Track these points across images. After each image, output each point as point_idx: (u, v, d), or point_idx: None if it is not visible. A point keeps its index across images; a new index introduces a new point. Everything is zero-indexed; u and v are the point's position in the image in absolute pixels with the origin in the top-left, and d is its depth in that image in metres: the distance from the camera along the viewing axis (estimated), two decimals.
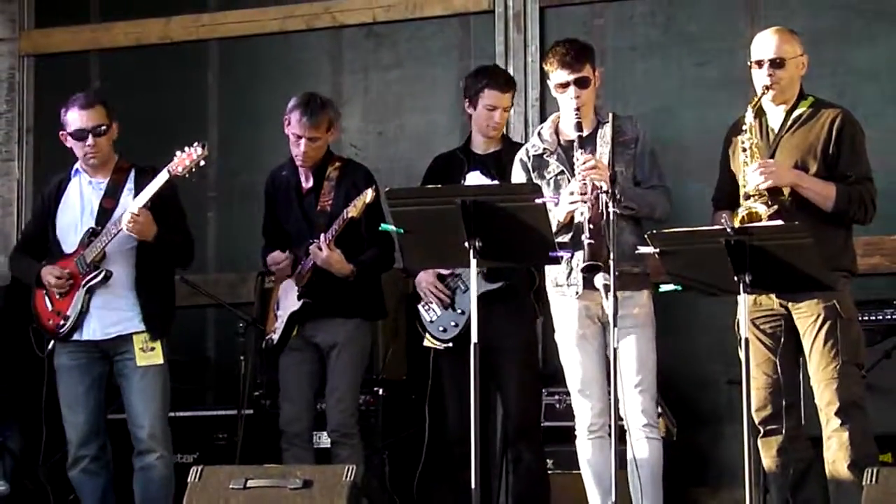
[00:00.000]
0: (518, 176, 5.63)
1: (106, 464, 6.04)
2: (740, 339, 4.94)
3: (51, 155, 6.46)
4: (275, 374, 6.28)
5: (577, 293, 5.46)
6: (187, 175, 5.83)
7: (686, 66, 7.01)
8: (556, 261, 5.23)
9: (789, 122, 5.37)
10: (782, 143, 5.36)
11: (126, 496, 6.02)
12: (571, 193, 5.36)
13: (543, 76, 6.82)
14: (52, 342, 6.04)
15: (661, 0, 7.07)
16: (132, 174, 6.05)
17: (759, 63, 5.34)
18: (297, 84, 7.22)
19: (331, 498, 4.94)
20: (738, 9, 6.91)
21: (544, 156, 5.59)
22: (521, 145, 5.99)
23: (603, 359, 5.46)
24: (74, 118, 5.96)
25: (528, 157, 5.62)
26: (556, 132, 5.62)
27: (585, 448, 5.51)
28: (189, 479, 5.13)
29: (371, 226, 5.90)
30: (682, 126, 6.93)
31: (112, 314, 5.93)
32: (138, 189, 5.94)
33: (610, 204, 5.14)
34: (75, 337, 5.95)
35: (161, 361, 5.94)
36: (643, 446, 5.37)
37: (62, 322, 5.95)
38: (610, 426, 5.15)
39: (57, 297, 5.95)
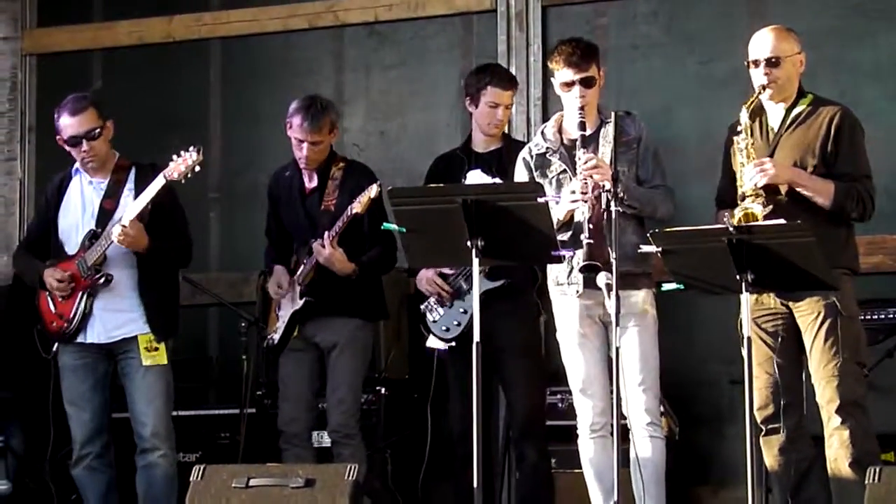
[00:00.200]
0: (521, 175, 5.63)
1: (109, 462, 6.04)
2: (743, 338, 4.94)
3: (53, 154, 6.45)
4: (276, 373, 6.28)
5: (577, 292, 5.46)
6: (183, 180, 5.82)
7: (688, 66, 7.01)
8: (559, 260, 5.23)
9: (789, 121, 5.37)
10: (782, 142, 5.36)
11: (129, 495, 6.02)
12: (573, 192, 5.36)
13: (546, 75, 6.85)
14: (57, 343, 6.03)
15: None
16: (132, 173, 6.04)
17: (756, 62, 5.34)
18: (299, 83, 7.23)
19: (333, 497, 4.94)
20: (741, 8, 6.91)
21: (547, 155, 5.59)
22: (522, 144, 6.00)
23: (605, 358, 5.47)
24: (66, 125, 5.94)
25: (531, 156, 5.62)
26: (559, 131, 5.62)
27: (587, 447, 5.51)
28: (191, 478, 5.13)
29: (373, 225, 5.90)
30: (684, 125, 6.93)
31: (116, 316, 5.93)
32: (138, 188, 5.93)
33: (612, 203, 5.14)
34: (79, 339, 5.95)
35: (165, 362, 5.94)
36: (646, 445, 5.37)
37: (65, 325, 5.95)
38: (612, 425, 5.15)
39: (59, 299, 5.95)
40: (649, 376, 5.42)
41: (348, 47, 7.57)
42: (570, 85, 5.50)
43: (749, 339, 4.92)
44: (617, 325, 5.04)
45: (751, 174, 5.22)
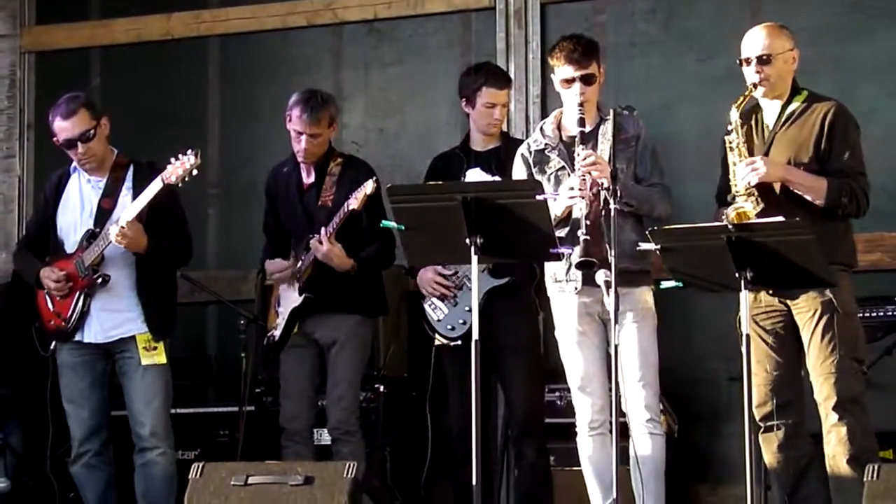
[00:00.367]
0: (519, 171, 5.63)
1: (108, 460, 6.04)
2: (741, 335, 4.94)
3: (52, 151, 6.44)
4: (276, 370, 6.28)
5: (575, 289, 5.46)
6: (180, 184, 5.81)
7: (687, 63, 7.00)
8: (558, 257, 5.23)
9: (783, 118, 5.37)
10: (777, 139, 5.36)
11: (128, 493, 6.02)
12: (571, 189, 5.35)
13: (545, 73, 6.85)
14: (55, 341, 6.03)
15: None
16: (130, 171, 6.03)
17: (748, 60, 5.34)
18: (297, 80, 7.21)
19: (332, 494, 4.94)
20: (739, 5, 6.91)
21: (546, 151, 5.59)
22: (520, 142, 5.99)
23: (604, 355, 5.47)
24: (59, 128, 5.93)
25: (530, 153, 5.62)
26: (558, 128, 5.62)
27: (586, 445, 5.51)
28: (190, 476, 5.13)
29: (372, 221, 5.90)
30: (683, 123, 6.92)
31: (113, 316, 5.92)
32: (137, 187, 5.92)
33: (611, 201, 5.14)
34: (77, 338, 5.95)
35: (164, 361, 5.94)
36: (646, 442, 5.37)
37: (63, 324, 5.95)
38: (611, 423, 5.15)
39: (58, 298, 5.95)
40: (648, 373, 5.42)
41: (347, 45, 7.57)
42: (570, 82, 5.49)
43: (748, 336, 4.92)
44: (616, 322, 5.04)
45: (742, 173, 5.22)
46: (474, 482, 4.86)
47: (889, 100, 6.71)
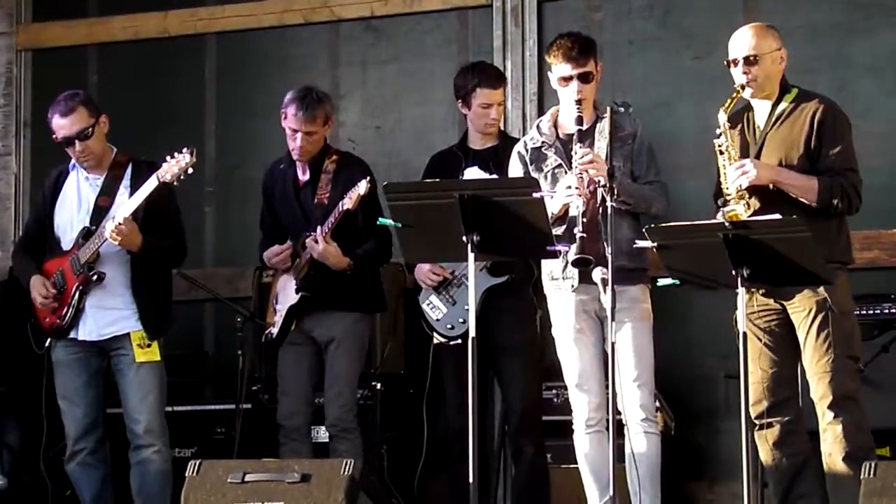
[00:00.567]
0: (515, 169, 5.62)
1: (104, 457, 6.03)
2: (738, 333, 4.94)
3: (48, 150, 6.44)
4: (274, 368, 6.28)
5: (572, 287, 5.46)
6: (176, 182, 5.80)
7: (684, 61, 7.00)
8: (555, 255, 5.22)
9: (773, 118, 5.36)
10: (768, 139, 5.35)
11: (124, 490, 6.01)
12: (568, 187, 5.35)
13: (542, 70, 6.85)
14: (50, 339, 6.03)
15: None
16: (129, 170, 6.02)
17: (735, 61, 5.33)
18: (294, 78, 7.21)
19: (329, 491, 4.94)
20: (736, 2, 6.90)
21: (542, 149, 5.58)
22: (517, 140, 5.99)
23: (600, 353, 5.46)
24: (58, 126, 5.92)
25: (526, 150, 5.62)
26: (555, 125, 5.61)
27: (583, 442, 5.51)
28: (187, 473, 5.13)
29: (368, 218, 5.89)
30: (680, 120, 6.92)
31: (108, 314, 5.92)
32: (134, 185, 5.91)
33: (607, 198, 5.14)
34: (72, 335, 5.95)
35: (158, 358, 5.93)
36: (641, 441, 5.37)
37: (58, 321, 5.94)
38: (607, 420, 5.15)
39: (55, 305, 5.95)
40: (644, 372, 5.42)
41: (344, 42, 7.56)
42: (567, 80, 5.49)
43: (744, 334, 4.93)
44: (612, 319, 5.03)
45: (732, 176, 5.22)
46: (471, 479, 4.86)
47: (887, 97, 6.71)
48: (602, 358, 5.44)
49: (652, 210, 5.50)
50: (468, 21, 7.35)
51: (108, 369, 6.02)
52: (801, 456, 5.32)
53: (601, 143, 5.46)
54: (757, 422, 5.28)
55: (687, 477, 6.63)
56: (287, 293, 6.15)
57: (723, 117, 5.30)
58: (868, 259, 6.45)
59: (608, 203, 5.13)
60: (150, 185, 5.79)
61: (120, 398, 5.96)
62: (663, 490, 5.45)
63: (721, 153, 5.31)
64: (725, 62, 5.37)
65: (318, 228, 5.99)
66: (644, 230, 5.03)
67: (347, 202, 5.91)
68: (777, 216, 4.98)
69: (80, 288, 5.89)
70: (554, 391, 6.29)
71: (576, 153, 5.36)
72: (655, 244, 4.95)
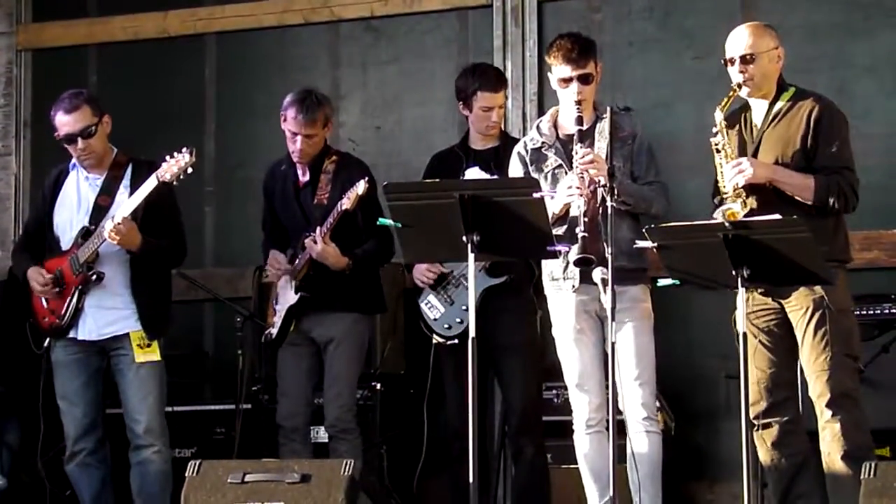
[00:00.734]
0: (515, 169, 5.62)
1: (103, 458, 6.03)
2: (737, 333, 4.94)
3: (48, 149, 6.45)
4: (274, 368, 6.28)
5: (573, 287, 5.46)
6: (175, 181, 5.80)
7: (684, 61, 7.00)
8: (555, 255, 5.22)
9: (770, 117, 5.36)
10: (765, 138, 5.35)
11: (124, 491, 6.01)
12: (569, 187, 5.35)
13: (542, 71, 6.85)
14: (49, 339, 6.03)
15: None
16: (129, 170, 6.02)
17: (731, 60, 5.33)
18: (294, 78, 7.22)
19: (328, 492, 4.94)
20: (736, 3, 6.91)
21: (542, 149, 5.58)
22: (518, 140, 5.99)
23: (600, 353, 5.46)
24: (61, 123, 5.93)
25: (526, 151, 5.62)
26: (555, 126, 5.61)
27: (583, 443, 5.51)
28: (187, 474, 5.13)
29: (368, 218, 5.90)
30: (680, 121, 6.92)
31: (107, 314, 5.92)
32: (134, 185, 5.91)
33: (608, 199, 5.14)
34: (71, 335, 5.95)
35: (158, 358, 5.93)
36: (643, 440, 5.37)
37: (57, 321, 5.94)
38: (608, 421, 5.15)
39: (49, 298, 5.94)
40: (645, 372, 5.42)
41: (344, 42, 7.57)
42: (567, 81, 5.48)
43: (744, 334, 4.93)
44: (612, 320, 5.03)
45: (729, 175, 5.22)
46: (471, 480, 4.85)
47: (886, 97, 6.71)
48: (602, 358, 5.44)
49: (652, 210, 5.50)
50: (468, 21, 7.35)
51: (107, 369, 6.01)
52: (799, 456, 5.32)
53: (601, 143, 5.46)
54: (755, 422, 5.28)
55: (687, 477, 6.63)
56: (287, 294, 6.15)
57: (719, 116, 5.31)
58: (868, 259, 6.45)
59: (608, 203, 5.13)
60: (150, 184, 5.79)
61: (120, 398, 5.96)
62: (664, 490, 5.45)
63: (718, 152, 5.31)
64: (722, 61, 5.37)
65: (318, 229, 5.99)
66: (644, 230, 5.03)
67: (346, 202, 5.92)
68: (777, 216, 4.98)
69: (80, 287, 5.89)
70: (554, 391, 6.29)
71: (576, 153, 5.36)
72: (655, 244, 4.94)
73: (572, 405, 5.56)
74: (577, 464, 5.56)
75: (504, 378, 6.07)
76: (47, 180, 6.17)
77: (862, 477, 4.58)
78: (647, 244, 4.97)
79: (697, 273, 5.06)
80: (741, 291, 4.89)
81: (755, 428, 5.29)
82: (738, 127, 5.41)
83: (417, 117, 7.41)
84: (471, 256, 4.97)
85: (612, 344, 5.05)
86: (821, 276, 4.95)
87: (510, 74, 6.98)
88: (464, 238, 4.94)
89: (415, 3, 7.40)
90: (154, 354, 5.92)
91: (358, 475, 5.04)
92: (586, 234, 5.17)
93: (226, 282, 7.32)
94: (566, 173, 5.45)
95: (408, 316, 6.61)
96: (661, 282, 5.08)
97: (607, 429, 5.17)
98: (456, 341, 5.96)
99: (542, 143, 5.59)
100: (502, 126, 6.37)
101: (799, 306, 5.23)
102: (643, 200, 5.47)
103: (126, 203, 5.84)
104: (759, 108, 5.41)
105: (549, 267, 5.55)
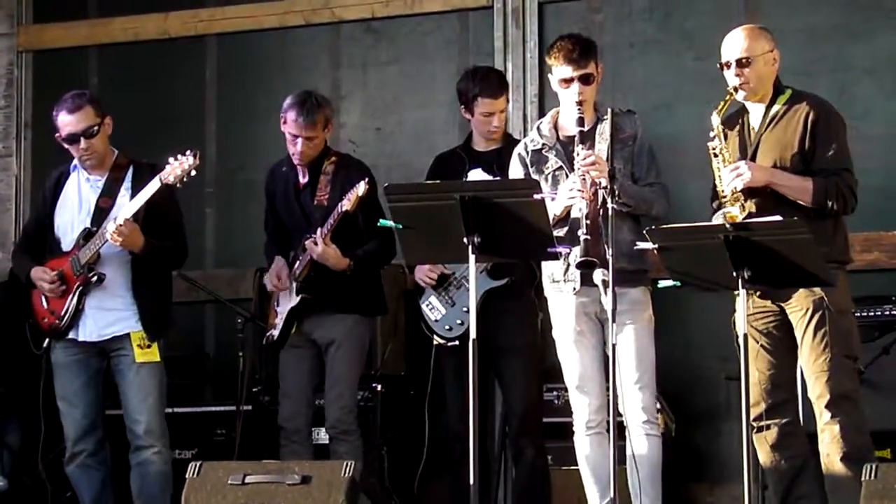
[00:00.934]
0: (516, 170, 5.62)
1: (104, 459, 6.03)
2: (738, 335, 4.94)
3: (49, 151, 6.45)
4: (275, 369, 6.28)
5: (573, 289, 5.46)
6: (179, 184, 5.80)
7: (685, 62, 7.00)
8: (555, 256, 5.23)
9: (767, 120, 5.35)
10: (763, 141, 5.35)
11: (124, 492, 6.01)
12: (570, 189, 5.35)
13: (542, 72, 6.85)
14: (49, 339, 6.03)
15: None
16: (130, 172, 6.02)
17: (727, 64, 5.33)
18: (295, 79, 7.22)
19: (329, 493, 4.94)
20: (737, 4, 6.91)
21: (543, 151, 5.58)
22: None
23: (601, 355, 5.46)
24: (64, 122, 5.93)
25: (527, 152, 5.61)
26: (555, 127, 5.61)
27: (583, 444, 5.51)
28: (187, 475, 5.13)
29: (369, 219, 5.90)
30: (681, 122, 6.92)
31: (108, 315, 5.92)
32: (135, 187, 5.92)
33: (608, 200, 5.14)
34: (71, 336, 5.95)
35: (158, 359, 5.93)
36: (642, 443, 5.36)
37: (57, 322, 5.94)
38: (608, 422, 5.15)
39: (52, 298, 5.95)
40: (645, 374, 5.42)
41: (345, 44, 7.57)
42: (568, 81, 5.48)
43: (745, 336, 4.92)
44: (613, 321, 5.03)
45: (727, 179, 5.23)
46: (472, 481, 4.85)
47: (886, 100, 6.71)
48: (602, 360, 5.44)
49: (653, 212, 5.50)
50: (469, 22, 7.35)
51: (107, 370, 6.01)
52: (799, 458, 5.31)
53: (602, 145, 5.46)
54: (755, 424, 5.27)
55: (687, 479, 6.63)
56: (288, 296, 6.15)
57: (716, 120, 5.31)
58: (868, 261, 6.45)
59: (609, 205, 5.13)
60: (153, 186, 5.80)
61: (120, 399, 5.96)
62: (664, 491, 5.45)
63: (715, 156, 5.31)
64: (718, 65, 5.37)
65: (319, 230, 5.99)
66: (645, 232, 5.03)
67: (346, 203, 5.92)
68: (778, 217, 4.98)
69: (80, 288, 5.89)
70: (555, 393, 6.29)
71: (578, 154, 5.35)
72: (656, 246, 4.94)
73: (572, 407, 5.56)
74: (577, 465, 5.56)
75: (505, 380, 6.07)
76: (48, 182, 6.17)
77: (863, 479, 4.58)
78: (648, 245, 4.97)
79: (698, 274, 5.05)
80: (742, 293, 4.89)
81: (755, 430, 5.28)
82: (737, 129, 5.41)
83: (418, 119, 7.41)
84: (471, 258, 4.96)
85: (613, 346, 5.05)
86: (821, 278, 4.95)
87: (511, 76, 6.98)
88: (465, 239, 4.94)
89: (415, 5, 7.40)
90: (154, 355, 5.92)
91: (358, 477, 5.03)
92: (588, 237, 5.16)
93: (226, 283, 7.33)
94: (566, 175, 5.45)
95: (409, 317, 6.62)
96: (662, 283, 5.08)
97: (608, 430, 5.18)
98: (457, 343, 5.97)
99: (543, 144, 5.59)
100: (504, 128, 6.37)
101: (799, 307, 5.23)
102: (644, 202, 5.47)
103: (128, 205, 5.84)
104: (756, 112, 5.40)
105: (550, 269, 5.55)
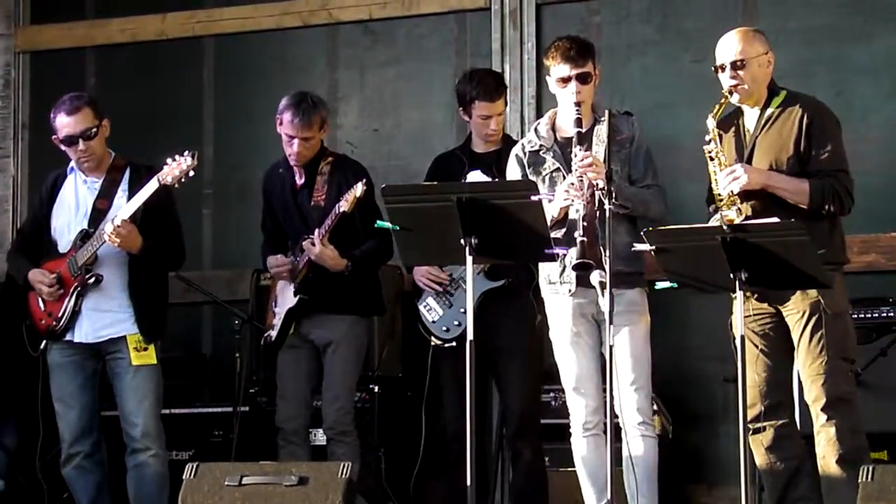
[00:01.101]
0: (513, 171, 5.62)
1: (100, 461, 6.03)
2: (735, 337, 4.94)
3: (46, 152, 6.45)
4: (272, 370, 6.28)
5: (570, 291, 5.45)
6: (177, 185, 5.80)
7: (682, 64, 7.00)
8: (553, 258, 5.22)
9: (763, 122, 5.35)
10: (758, 143, 5.35)
11: (121, 494, 6.00)
12: (567, 191, 5.35)
13: (540, 73, 6.85)
14: (45, 341, 6.03)
15: None
16: (127, 173, 6.02)
17: (722, 67, 5.33)
18: (292, 81, 7.22)
19: (326, 494, 4.93)
20: (735, 5, 6.91)
21: (540, 152, 5.58)
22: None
23: (598, 356, 5.46)
24: (62, 124, 5.93)
25: (524, 153, 5.61)
26: (553, 128, 5.61)
27: (580, 446, 5.50)
28: (184, 476, 5.12)
29: (366, 219, 5.90)
30: (678, 124, 6.91)
31: (104, 316, 5.91)
32: (132, 189, 5.92)
33: (606, 202, 5.14)
34: (67, 337, 5.94)
35: (154, 362, 5.93)
36: (638, 444, 5.36)
37: (54, 323, 5.94)
38: (605, 424, 5.15)
39: (50, 299, 5.94)
40: (641, 376, 5.42)
41: (342, 45, 7.57)
42: (566, 80, 5.48)
43: (742, 337, 4.92)
44: (610, 323, 5.03)
45: (724, 182, 5.23)
46: (469, 483, 4.85)
47: (885, 101, 6.71)
48: (599, 361, 5.44)
49: (650, 214, 5.50)
50: (466, 24, 7.35)
51: (103, 372, 6.01)
52: (795, 460, 5.31)
53: (599, 146, 5.46)
54: (751, 426, 5.27)
55: (685, 480, 6.63)
56: (286, 296, 6.15)
57: (711, 123, 5.31)
58: (866, 263, 6.45)
59: (606, 206, 5.13)
60: (151, 187, 5.80)
61: (116, 401, 5.96)
62: (661, 493, 5.45)
63: (711, 159, 5.31)
64: (713, 68, 5.37)
65: (316, 231, 5.99)
66: (643, 233, 5.02)
67: (343, 204, 5.92)
68: (775, 219, 4.98)
69: (77, 290, 5.89)
70: (552, 394, 6.29)
71: (575, 155, 5.35)
72: (654, 247, 4.94)
73: (569, 408, 5.55)
74: (574, 467, 5.56)
75: (502, 381, 6.08)
76: (45, 184, 6.17)
77: (860, 480, 4.57)
78: (646, 247, 4.97)
79: (695, 276, 5.05)
80: (739, 295, 4.88)
81: (751, 432, 5.28)
82: (733, 132, 5.40)
83: (416, 120, 7.41)
84: (469, 259, 4.96)
85: (610, 347, 5.05)
86: (819, 280, 4.95)
87: (508, 77, 6.97)
88: (462, 241, 4.94)
89: (413, 6, 7.40)
90: (150, 358, 5.91)
91: (356, 478, 5.03)
92: (585, 239, 5.16)
93: (224, 284, 7.32)
94: (564, 176, 5.45)
95: (406, 318, 6.61)
96: (659, 285, 5.08)
97: (604, 432, 5.17)
98: (454, 344, 5.97)
99: (540, 145, 5.58)
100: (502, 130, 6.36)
101: (795, 310, 5.23)
102: (641, 204, 5.47)
103: (126, 205, 5.84)
104: (751, 114, 5.41)
105: (546, 270, 5.54)
